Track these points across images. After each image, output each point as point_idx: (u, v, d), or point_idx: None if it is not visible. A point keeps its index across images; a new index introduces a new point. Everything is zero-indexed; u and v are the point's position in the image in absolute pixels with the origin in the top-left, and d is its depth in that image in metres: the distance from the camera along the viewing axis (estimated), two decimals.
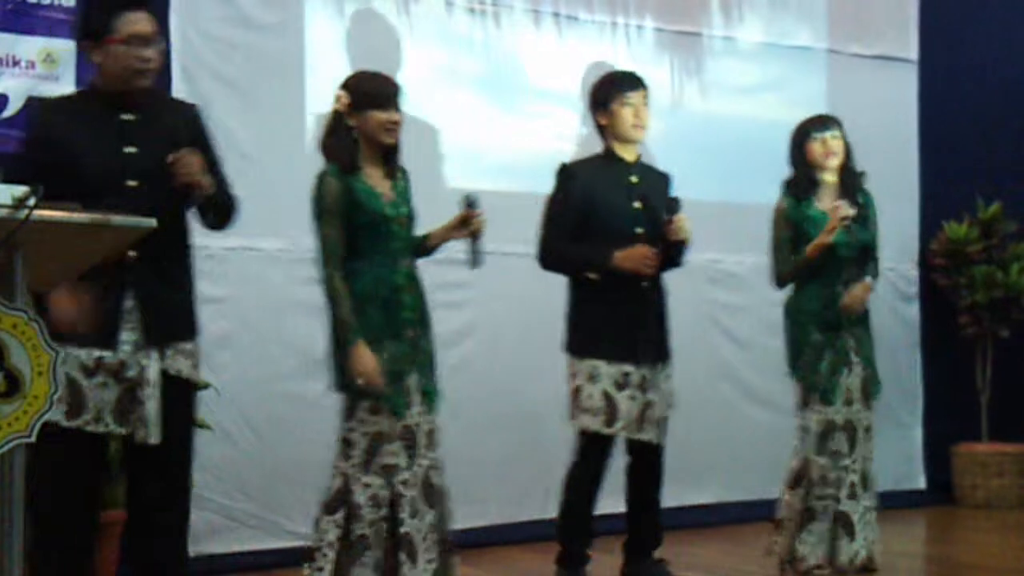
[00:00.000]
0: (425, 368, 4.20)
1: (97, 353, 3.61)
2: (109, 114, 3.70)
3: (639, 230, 4.68)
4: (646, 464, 4.78)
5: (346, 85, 4.24)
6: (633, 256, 4.58)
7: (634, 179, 4.76)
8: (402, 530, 4.11)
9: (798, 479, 4.98)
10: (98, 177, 3.57)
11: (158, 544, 3.78)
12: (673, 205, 4.68)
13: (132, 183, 3.63)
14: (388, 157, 4.24)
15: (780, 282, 5.10)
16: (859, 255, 5.05)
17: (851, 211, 4.91)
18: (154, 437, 3.61)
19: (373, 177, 4.19)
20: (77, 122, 3.69)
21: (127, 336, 3.63)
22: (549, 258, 4.74)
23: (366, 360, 4.04)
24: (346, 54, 5.89)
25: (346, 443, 4.11)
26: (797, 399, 5.04)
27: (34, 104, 4.85)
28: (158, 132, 3.70)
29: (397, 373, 4.11)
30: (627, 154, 4.79)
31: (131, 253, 3.56)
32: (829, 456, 4.95)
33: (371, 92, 4.18)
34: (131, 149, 3.67)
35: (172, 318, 3.75)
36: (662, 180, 4.87)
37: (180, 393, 3.74)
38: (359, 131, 4.17)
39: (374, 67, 4.34)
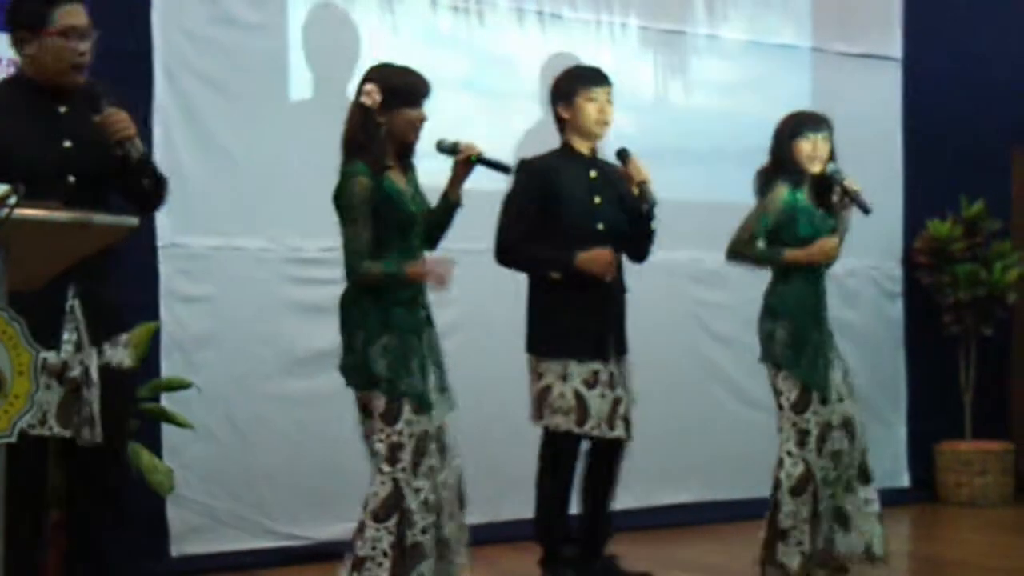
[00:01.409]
0: (440, 366, 4.15)
1: (42, 355, 3.55)
2: (44, 106, 3.62)
3: (600, 226, 4.64)
4: (608, 462, 4.73)
5: (374, 79, 4.02)
6: (596, 260, 4.53)
7: (593, 174, 4.71)
8: (444, 533, 4.07)
9: (802, 486, 4.72)
10: (37, 171, 3.45)
11: (93, 535, 3.72)
12: (623, 154, 4.62)
13: (72, 179, 3.57)
14: (404, 152, 4.10)
15: (735, 254, 4.91)
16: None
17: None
18: (98, 437, 3.54)
19: (395, 173, 4.05)
20: (13, 112, 3.59)
21: (68, 336, 3.54)
22: (508, 255, 4.65)
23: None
24: (328, 52, 5.87)
25: (394, 447, 3.93)
26: (792, 400, 4.75)
27: None
28: (89, 126, 3.61)
29: (424, 371, 4.04)
30: (585, 149, 4.73)
31: None
32: (829, 457, 4.78)
33: (403, 89, 4.01)
34: (68, 144, 3.61)
35: (110, 315, 3.68)
36: (615, 174, 4.71)
37: (118, 383, 3.67)
38: (386, 128, 4.00)
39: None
